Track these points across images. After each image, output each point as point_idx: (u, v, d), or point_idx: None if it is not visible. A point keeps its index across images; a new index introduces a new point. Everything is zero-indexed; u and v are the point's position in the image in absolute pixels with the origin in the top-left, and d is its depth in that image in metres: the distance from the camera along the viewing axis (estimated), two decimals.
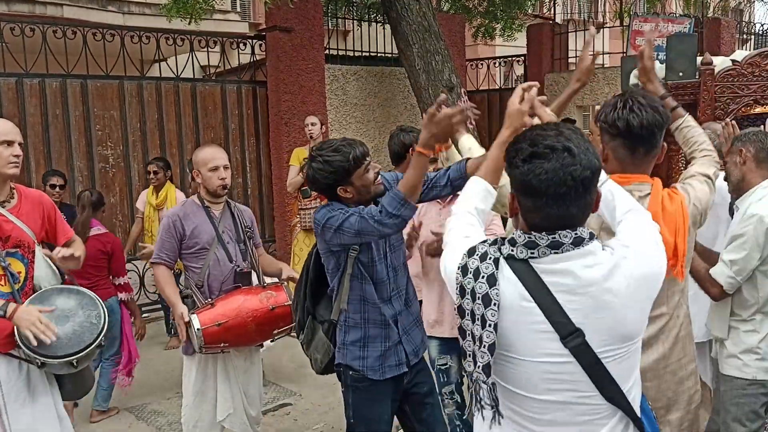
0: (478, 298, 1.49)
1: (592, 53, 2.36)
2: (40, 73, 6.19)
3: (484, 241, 1.58)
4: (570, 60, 9.81)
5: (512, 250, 1.51)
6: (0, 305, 2.62)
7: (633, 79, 2.07)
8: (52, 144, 6.24)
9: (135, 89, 6.71)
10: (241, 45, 7.42)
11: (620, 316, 1.48)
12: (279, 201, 7.46)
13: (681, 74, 3.82)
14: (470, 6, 9.49)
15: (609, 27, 12.10)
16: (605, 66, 10.52)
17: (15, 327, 2.65)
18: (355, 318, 2.70)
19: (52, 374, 2.83)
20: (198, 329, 3.07)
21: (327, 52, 7.85)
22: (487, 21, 9.54)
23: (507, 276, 1.50)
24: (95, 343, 2.76)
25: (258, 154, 7.50)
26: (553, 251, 1.48)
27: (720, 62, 3.93)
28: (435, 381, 3.07)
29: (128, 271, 4.87)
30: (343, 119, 7.99)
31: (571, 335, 1.45)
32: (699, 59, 3.86)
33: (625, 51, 9.14)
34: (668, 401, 2.20)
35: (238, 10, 15.39)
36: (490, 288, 1.48)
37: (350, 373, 2.72)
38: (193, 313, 3.14)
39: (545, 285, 1.47)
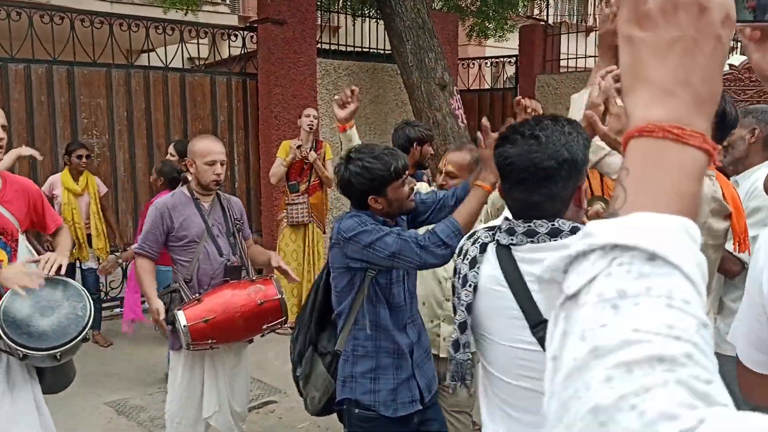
0: (460, 278, 1.62)
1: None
2: (25, 58, 6.04)
3: (490, 228, 1.67)
4: (561, 62, 9.81)
5: (499, 236, 1.59)
6: None
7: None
8: (36, 131, 6.10)
9: (123, 77, 6.58)
10: (231, 36, 7.32)
11: None
12: (267, 195, 7.36)
13: None
14: (463, 5, 9.45)
15: (599, 31, 12.12)
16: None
17: None
18: (367, 346, 2.45)
19: (33, 367, 2.74)
20: (184, 326, 2.99)
21: (319, 46, 7.76)
22: (479, 20, 9.51)
23: (489, 259, 1.59)
24: (80, 336, 2.67)
25: (246, 147, 7.41)
26: (528, 239, 1.53)
27: None
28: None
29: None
30: (333, 114, 7.91)
31: (539, 325, 1.47)
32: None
33: None
34: None
35: (228, 2, 15.25)
36: (469, 269, 1.60)
37: (356, 411, 2.44)
38: (179, 309, 3.06)
39: (521, 273, 1.52)
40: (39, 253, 3.10)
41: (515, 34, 9.86)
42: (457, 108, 7.04)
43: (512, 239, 1.55)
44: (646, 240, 0.49)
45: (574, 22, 11.74)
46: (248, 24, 7.83)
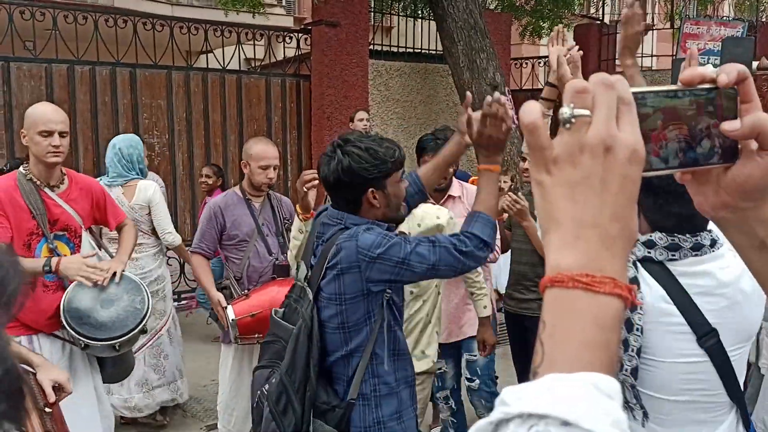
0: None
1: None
2: (90, 60, 6.32)
3: None
4: (617, 61, 9.63)
5: (649, 252, 1.53)
6: (44, 261, 2.66)
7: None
8: (100, 131, 6.37)
9: (182, 79, 6.81)
10: (286, 38, 7.47)
11: (749, 315, 1.52)
12: (319, 194, 7.48)
13: None
14: (518, 4, 9.39)
15: (657, 29, 11.85)
16: (653, 69, 10.30)
17: (60, 307, 2.72)
18: (389, 382, 2.08)
19: (94, 356, 2.90)
20: (233, 320, 3.11)
21: (371, 47, 7.85)
22: (533, 20, 9.42)
23: (645, 279, 1.52)
24: (138, 328, 2.81)
25: (299, 148, 7.55)
26: (693, 253, 1.51)
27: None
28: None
29: (169, 258, 4.98)
30: (384, 115, 7.99)
31: (706, 335, 1.48)
32: (755, 64, 3.76)
33: (674, 54, 8.94)
34: None
35: (284, 4, 15.49)
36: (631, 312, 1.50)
37: None
38: (229, 305, 3.19)
39: (682, 287, 1.50)
40: (101, 248, 3.29)
41: (570, 33, 9.73)
42: (510, 108, 7.01)
43: (673, 254, 1.50)
44: (557, 407, 0.49)
45: None
46: (303, 26, 7.98)
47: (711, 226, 1.55)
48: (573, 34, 9.64)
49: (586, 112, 0.56)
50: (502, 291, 4.26)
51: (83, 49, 6.21)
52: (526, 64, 9.95)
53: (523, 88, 9.92)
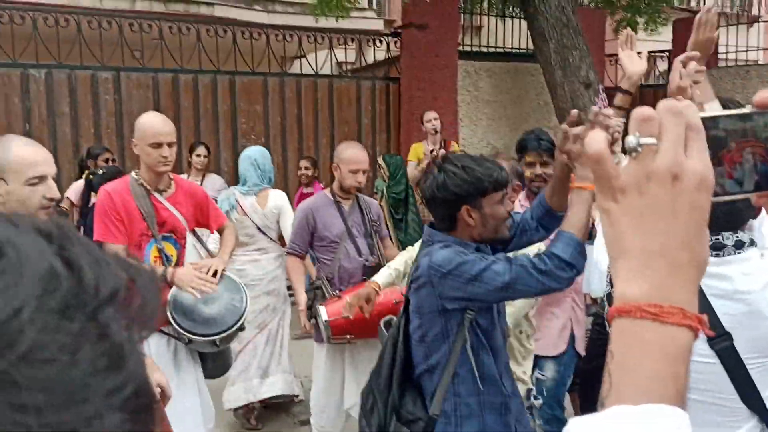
0: None
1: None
2: (193, 69, 6.67)
3: None
4: (719, 56, 9.17)
5: None
6: (161, 271, 2.86)
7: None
8: (202, 136, 6.70)
9: (277, 85, 7.06)
10: (377, 42, 7.59)
11: None
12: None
13: None
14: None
15: (764, 21, 11.18)
16: (759, 63, 9.73)
17: (167, 303, 2.92)
18: (471, 404, 2.07)
19: (197, 351, 3.08)
20: (325, 321, 3.22)
21: (460, 48, 7.85)
22: (629, 15, 9.12)
23: None
24: (237, 326, 2.96)
25: (388, 149, 7.65)
26: (714, 253, 1.46)
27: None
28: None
29: None
30: (473, 115, 7.97)
31: (719, 337, 1.45)
32: None
33: None
34: None
35: (374, 7, 15.68)
36: None
37: None
38: (321, 305, 3.30)
39: (699, 287, 1.46)
40: (202, 245, 3.49)
41: (668, 28, 9.35)
42: (602, 107, 6.84)
43: None
44: None
45: (734, 12, 10.89)
46: (393, 30, 8.08)
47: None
48: (672, 29, 9.27)
49: (653, 140, 0.56)
50: (595, 295, 3.73)
51: (187, 58, 6.56)
52: None
53: (618, 85, 9.62)
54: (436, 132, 6.12)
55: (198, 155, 5.78)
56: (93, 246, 0.37)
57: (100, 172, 4.59)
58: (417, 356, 2.10)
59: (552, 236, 2.11)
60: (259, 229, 4.19)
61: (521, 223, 2.23)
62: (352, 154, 3.47)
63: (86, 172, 4.99)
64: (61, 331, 0.32)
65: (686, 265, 0.56)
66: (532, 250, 2.43)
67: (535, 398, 3.34)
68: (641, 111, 0.57)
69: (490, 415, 2.09)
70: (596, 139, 0.58)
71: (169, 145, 2.92)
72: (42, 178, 2.00)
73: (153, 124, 2.93)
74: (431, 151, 6.01)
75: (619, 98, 2.68)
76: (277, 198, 4.24)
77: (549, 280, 1.89)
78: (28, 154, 1.99)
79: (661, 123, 0.56)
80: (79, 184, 4.99)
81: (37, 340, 0.30)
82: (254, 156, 4.27)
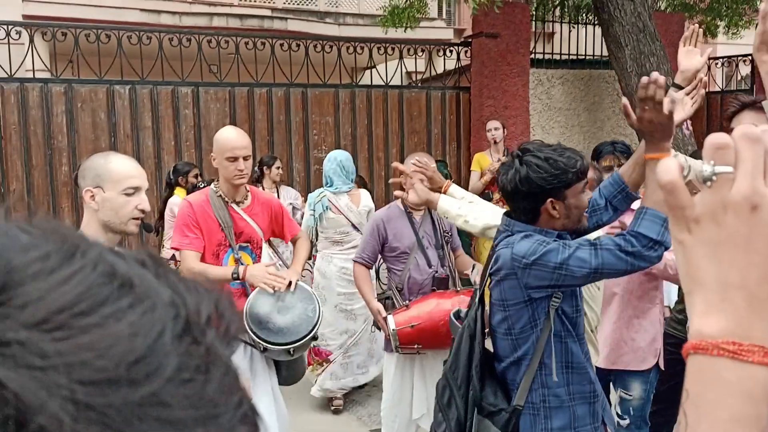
0: None
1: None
2: (267, 82, 6.86)
3: None
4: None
5: None
6: (233, 269, 2.96)
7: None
8: (276, 147, 6.87)
9: (348, 96, 7.16)
10: (446, 52, 7.60)
11: None
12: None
13: None
14: (690, 3, 8.82)
15: (758, 30, 10.55)
16: None
17: (243, 311, 3.00)
18: (560, 394, 2.04)
19: (271, 359, 3.15)
20: (393, 330, 3.24)
21: (532, 56, 7.76)
22: (709, 18, 8.80)
23: None
24: (310, 335, 3.02)
25: (458, 159, 7.64)
26: None
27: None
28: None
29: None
30: (546, 123, 7.86)
31: None
32: None
33: None
34: None
35: (444, 16, 15.70)
36: None
37: None
38: (390, 314, 3.32)
39: None
40: (277, 255, 3.57)
41: (751, 30, 8.96)
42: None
43: None
44: None
45: None
46: (463, 39, 8.07)
47: None
48: (754, 32, 8.87)
49: (729, 169, 0.54)
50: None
51: (261, 72, 6.74)
52: None
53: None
54: (496, 142, 6.14)
55: (277, 167, 5.96)
56: (178, 272, 0.40)
57: (202, 185, 4.82)
58: (503, 349, 2.08)
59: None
60: (354, 226, 4.45)
61: (591, 203, 2.18)
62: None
63: (187, 187, 5.22)
64: (193, 353, 0.34)
65: (767, 300, 0.53)
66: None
67: (621, 418, 3.24)
68: (716, 138, 0.55)
69: (580, 405, 2.06)
70: (668, 168, 0.55)
71: (245, 158, 3.01)
72: (137, 190, 2.12)
73: (229, 138, 3.03)
74: (498, 160, 6.02)
75: (670, 92, 2.64)
76: (366, 198, 4.59)
77: (637, 260, 1.85)
78: (126, 166, 2.13)
79: (737, 150, 0.54)
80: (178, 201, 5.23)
81: (180, 362, 0.33)
82: (340, 158, 4.54)
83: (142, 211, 2.12)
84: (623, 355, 3.09)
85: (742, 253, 0.53)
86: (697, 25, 2.82)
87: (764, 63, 2.49)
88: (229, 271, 2.96)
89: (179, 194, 5.18)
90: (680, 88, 2.56)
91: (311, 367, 4.76)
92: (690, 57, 2.49)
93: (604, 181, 2.36)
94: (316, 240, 5.15)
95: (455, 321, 2.26)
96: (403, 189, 2.89)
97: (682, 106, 2.28)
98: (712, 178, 0.54)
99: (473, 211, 2.51)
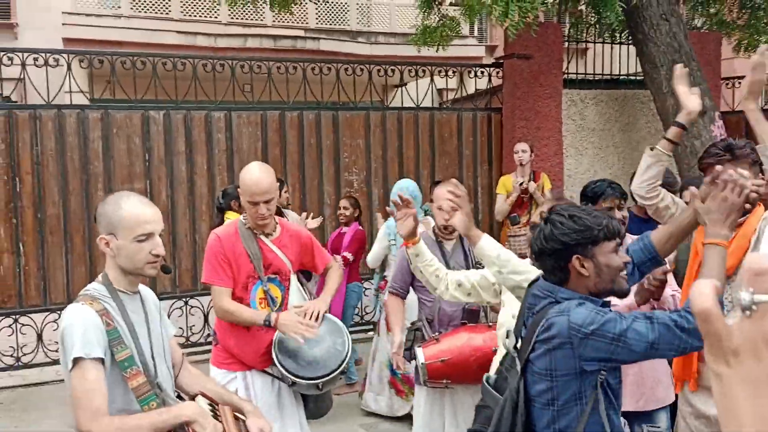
0: None
1: None
2: (299, 105, 6.89)
3: None
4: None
5: None
6: (265, 316, 2.95)
7: None
8: (306, 170, 6.90)
9: (379, 119, 7.16)
10: (478, 72, 7.56)
11: None
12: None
13: None
14: (729, 20, 8.65)
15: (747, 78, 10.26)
16: None
17: (271, 346, 2.99)
18: None
19: (299, 393, 3.13)
20: (422, 363, 3.19)
21: (565, 76, 7.68)
22: (748, 34, 8.61)
23: None
24: (339, 369, 2.99)
25: (490, 180, 7.57)
26: None
27: None
28: None
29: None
30: (579, 145, 7.75)
31: None
32: None
33: None
34: None
35: (476, 34, 15.68)
36: None
37: None
38: (419, 347, 3.27)
39: None
40: (304, 286, 3.55)
41: None
42: (719, 135, 6.48)
43: None
44: None
45: None
46: (494, 60, 8.02)
47: None
48: None
49: None
50: None
51: (293, 92, 6.77)
52: (739, 83, 9.09)
53: (736, 109, 9.08)
54: (522, 164, 6.13)
55: (285, 191, 5.83)
56: None
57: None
58: (540, 421, 2.00)
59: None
60: None
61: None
62: (442, 192, 3.45)
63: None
64: None
65: None
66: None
67: None
68: (755, 263, 0.50)
69: None
70: (703, 295, 0.51)
71: (266, 202, 2.99)
72: (150, 236, 2.10)
73: (251, 184, 2.99)
74: (520, 184, 6.03)
75: (672, 132, 2.63)
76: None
77: (692, 339, 1.79)
78: (138, 212, 2.10)
79: None
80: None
81: None
82: (407, 187, 4.64)
83: (157, 256, 2.11)
84: (646, 393, 3.00)
85: None
86: (682, 65, 2.83)
87: (752, 111, 2.52)
88: (261, 317, 2.96)
89: (231, 218, 5.21)
90: (684, 127, 2.55)
91: (405, 397, 4.74)
92: (690, 97, 2.54)
93: (632, 244, 2.32)
94: (382, 270, 5.15)
95: (490, 389, 2.19)
96: (387, 217, 2.90)
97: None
98: (751, 307, 0.50)
99: (511, 264, 2.50)
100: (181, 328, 6.39)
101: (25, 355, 5.86)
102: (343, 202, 6.01)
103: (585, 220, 1.98)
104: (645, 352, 1.84)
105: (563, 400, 1.96)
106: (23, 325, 5.82)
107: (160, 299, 6.98)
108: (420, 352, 3.23)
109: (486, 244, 2.56)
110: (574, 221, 1.98)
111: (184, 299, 6.42)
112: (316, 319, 2.98)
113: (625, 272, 2.04)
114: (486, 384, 2.23)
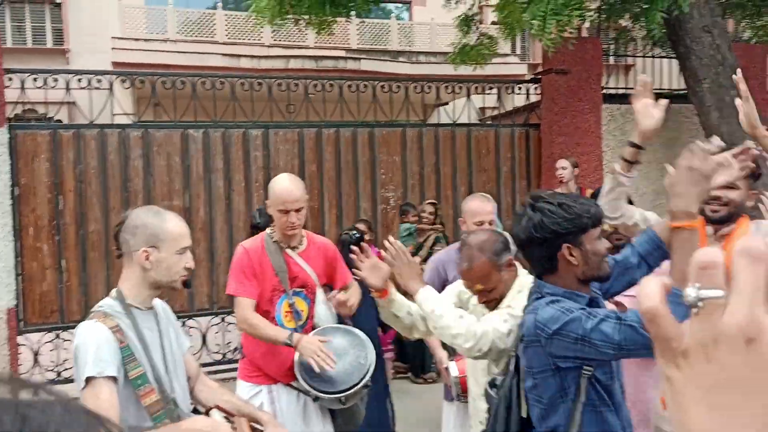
0: None
1: None
2: (335, 122, 6.94)
3: None
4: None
5: None
6: (287, 335, 2.94)
7: None
8: (343, 186, 6.92)
9: (416, 135, 7.16)
10: (516, 88, 7.50)
11: None
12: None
13: None
14: None
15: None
16: None
17: (295, 358, 2.97)
18: None
19: (326, 408, 3.10)
20: (455, 377, 3.12)
21: (604, 91, 7.55)
22: None
23: None
24: (362, 383, 2.95)
25: None
26: None
27: None
28: None
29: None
30: (618, 159, 7.57)
31: None
32: None
33: None
34: None
35: (518, 52, 15.61)
36: None
37: None
38: (452, 360, 3.21)
39: None
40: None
41: None
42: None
43: None
44: None
45: None
46: (533, 76, 7.96)
47: None
48: None
49: (717, 293, 0.45)
50: None
51: (331, 110, 6.83)
52: None
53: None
54: (563, 182, 5.99)
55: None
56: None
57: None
58: (535, 417, 1.98)
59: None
60: None
61: (622, 261, 2.14)
62: (476, 206, 3.40)
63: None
64: None
65: None
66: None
67: None
68: (702, 256, 0.46)
69: None
70: (648, 294, 0.47)
71: (297, 210, 3.00)
72: (186, 249, 2.15)
73: (281, 192, 3.00)
74: None
75: (628, 152, 2.45)
76: None
77: None
78: (180, 226, 2.15)
79: (735, 270, 0.45)
80: None
81: None
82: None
83: (189, 269, 2.15)
84: (652, 418, 2.88)
85: (739, 396, 0.44)
86: (645, 75, 2.62)
87: (763, 137, 2.40)
88: (283, 337, 2.93)
89: None
90: (640, 148, 2.39)
91: None
92: (647, 114, 2.32)
93: (637, 238, 2.24)
94: None
95: (489, 390, 2.13)
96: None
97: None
98: (697, 304, 0.45)
99: (443, 320, 2.28)
100: (218, 344, 6.45)
101: (66, 369, 5.98)
102: (360, 226, 5.82)
103: (574, 208, 1.93)
104: (616, 353, 1.80)
105: (548, 397, 1.93)
106: (65, 340, 5.95)
107: (197, 316, 7.07)
108: (453, 366, 3.17)
109: (423, 298, 2.38)
110: (564, 209, 1.92)
111: (221, 316, 6.47)
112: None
113: (606, 258, 2.00)
114: (486, 388, 2.17)
